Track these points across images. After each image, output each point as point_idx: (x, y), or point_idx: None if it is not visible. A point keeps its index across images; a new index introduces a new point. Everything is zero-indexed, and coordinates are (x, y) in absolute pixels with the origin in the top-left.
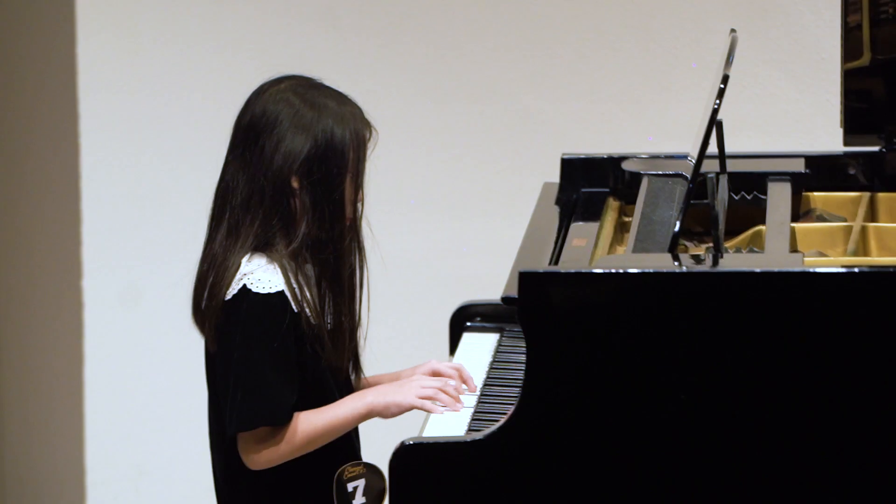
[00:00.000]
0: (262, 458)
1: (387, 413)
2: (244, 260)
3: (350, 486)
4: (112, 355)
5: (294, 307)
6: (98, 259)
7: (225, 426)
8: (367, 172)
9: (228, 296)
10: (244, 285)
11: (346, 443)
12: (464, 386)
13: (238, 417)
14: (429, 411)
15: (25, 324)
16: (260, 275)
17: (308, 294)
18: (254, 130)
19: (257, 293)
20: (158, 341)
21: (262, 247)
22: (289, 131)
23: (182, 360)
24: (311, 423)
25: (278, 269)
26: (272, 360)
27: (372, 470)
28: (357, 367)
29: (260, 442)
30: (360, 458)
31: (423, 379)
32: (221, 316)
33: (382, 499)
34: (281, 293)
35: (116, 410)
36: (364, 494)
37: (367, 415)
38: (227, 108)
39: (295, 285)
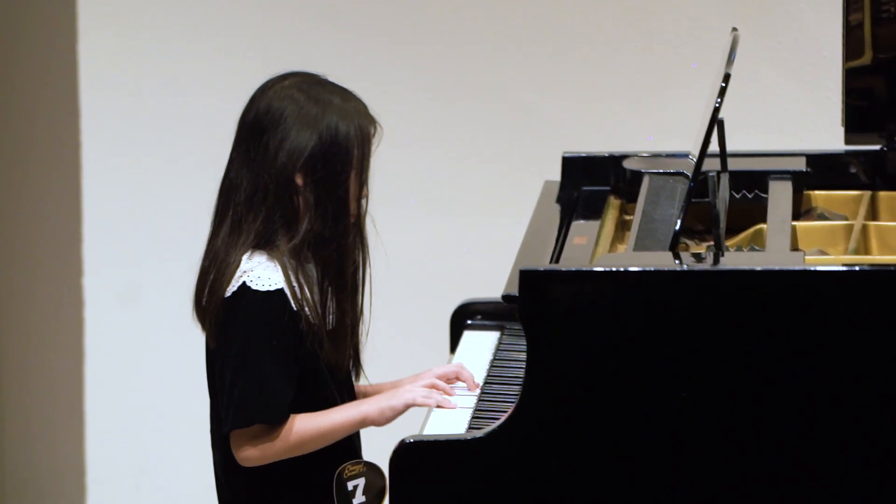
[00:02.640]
0: (253, 454)
1: (381, 419)
2: (245, 257)
3: (350, 485)
4: (112, 353)
5: (293, 305)
6: (99, 257)
7: (221, 423)
8: (371, 169)
9: (228, 293)
10: (244, 283)
11: (346, 441)
12: (462, 384)
13: (234, 414)
14: (422, 405)
15: (26, 322)
16: (260, 272)
17: (308, 293)
18: (258, 127)
19: (257, 291)
20: (159, 339)
21: (264, 244)
22: (293, 128)
23: (182, 358)
24: (306, 426)
25: (279, 267)
26: (270, 357)
27: (372, 468)
28: (357, 365)
29: (254, 439)
30: (361, 457)
31: (415, 386)
32: (221, 313)
33: (383, 497)
34: (280, 291)
35: (117, 408)
36: (364, 493)
37: (362, 422)
38: (229, 106)
39: (295, 283)
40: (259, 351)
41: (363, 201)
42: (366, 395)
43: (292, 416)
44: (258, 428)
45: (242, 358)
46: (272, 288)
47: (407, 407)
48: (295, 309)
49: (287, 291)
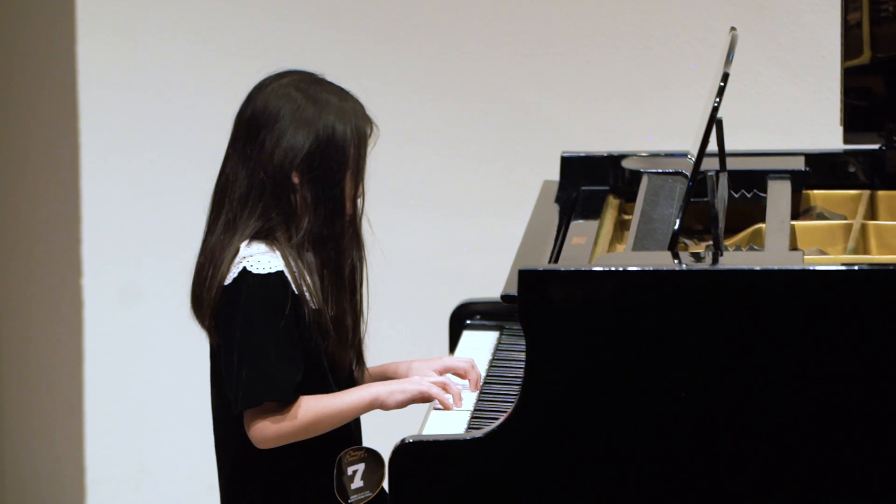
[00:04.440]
0: (268, 432)
1: (390, 401)
2: (243, 245)
3: (350, 470)
4: (112, 353)
5: (294, 288)
6: (98, 257)
7: (231, 408)
8: (367, 169)
9: (228, 280)
10: (244, 268)
11: (347, 433)
12: (464, 383)
13: (244, 394)
14: (432, 398)
15: (25, 322)
16: (259, 257)
17: (308, 278)
18: (255, 125)
19: (257, 274)
20: (158, 339)
21: (262, 236)
22: (290, 126)
23: (182, 358)
24: (317, 405)
25: (278, 253)
26: (275, 338)
27: (373, 456)
28: (361, 364)
29: (266, 417)
30: (361, 444)
31: (430, 375)
32: (222, 301)
33: (380, 485)
34: (280, 273)
35: (116, 409)
36: (362, 479)
37: (372, 403)
38: (228, 105)
39: (294, 268)
40: (264, 332)
41: (359, 201)
42: (372, 377)
43: (302, 397)
44: (269, 406)
45: (247, 340)
46: (272, 270)
47: (419, 394)
48: (296, 292)
49: (287, 274)
